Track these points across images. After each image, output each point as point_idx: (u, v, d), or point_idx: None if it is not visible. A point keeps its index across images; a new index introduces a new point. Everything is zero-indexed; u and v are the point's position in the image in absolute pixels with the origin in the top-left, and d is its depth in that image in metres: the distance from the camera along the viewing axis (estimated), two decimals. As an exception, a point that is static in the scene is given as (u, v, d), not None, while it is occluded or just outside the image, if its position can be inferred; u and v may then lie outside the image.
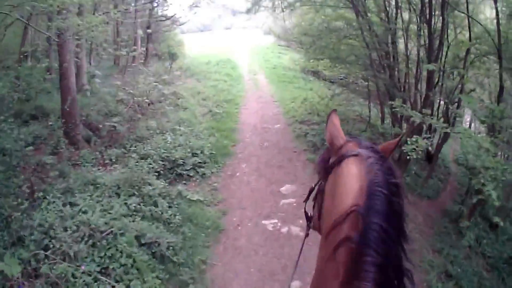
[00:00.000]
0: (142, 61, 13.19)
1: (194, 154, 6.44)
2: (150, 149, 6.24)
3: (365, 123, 8.95)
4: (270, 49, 21.33)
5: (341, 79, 10.96)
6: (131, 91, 8.28)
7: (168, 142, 6.63)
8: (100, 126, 6.69)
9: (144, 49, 14.15)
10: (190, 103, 9.87)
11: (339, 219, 0.85)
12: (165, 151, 6.20)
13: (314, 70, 13.68)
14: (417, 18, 7.08)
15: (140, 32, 12.19)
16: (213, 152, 6.85)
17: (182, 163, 6.10)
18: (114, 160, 5.92)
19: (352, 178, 0.91)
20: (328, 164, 1.05)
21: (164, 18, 14.32)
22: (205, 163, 6.41)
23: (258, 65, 17.37)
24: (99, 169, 5.44)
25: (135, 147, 6.34)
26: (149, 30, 13.14)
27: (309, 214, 1.25)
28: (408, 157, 5.19)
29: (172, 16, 14.64)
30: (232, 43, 25.25)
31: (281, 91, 12.31)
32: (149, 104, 8.48)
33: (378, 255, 0.77)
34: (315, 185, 1.17)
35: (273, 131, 8.75)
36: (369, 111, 9.07)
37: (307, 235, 1.28)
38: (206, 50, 21.96)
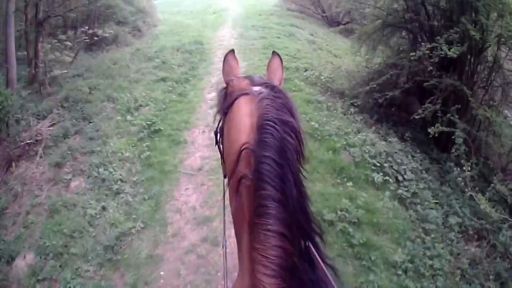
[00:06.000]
0: None
1: None
2: None
3: None
4: (276, 16, 12.61)
5: None
6: None
7: None
8: None
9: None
10: None
11: (233, 158, 0.85)
12: None
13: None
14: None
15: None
16: None
17: None
18: None
19: (243, 117, 0.89)
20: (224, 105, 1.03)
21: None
22: None
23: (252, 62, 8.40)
24: None
25: None
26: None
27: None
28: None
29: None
30: (228, 7, 16.45)
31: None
32: None
33: (275, 190, 0.73)
34: (217, 128, 1.12)
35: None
36: None
37: (225, 176, 1.14)
38: (188, 18, 13.96)
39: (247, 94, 0.93)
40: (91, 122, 5.86)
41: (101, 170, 4.54)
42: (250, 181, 0.77)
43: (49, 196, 4.48)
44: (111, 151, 4.94)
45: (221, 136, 1.07)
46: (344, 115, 5.69)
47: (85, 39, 7.67)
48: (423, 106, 4.91)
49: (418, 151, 5.23)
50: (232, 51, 1.20)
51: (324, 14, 12.87)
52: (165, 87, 6.96)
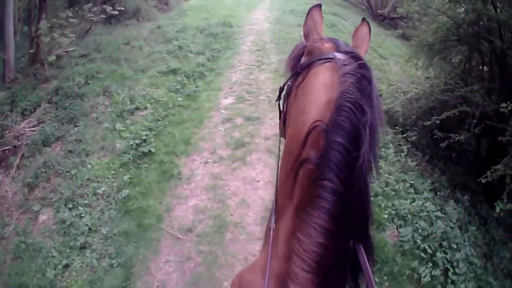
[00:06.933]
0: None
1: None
2: None
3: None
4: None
5: None
6: None
7: None
8: None
9: None
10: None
11: (300, 134, 0.74)
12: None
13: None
14: None
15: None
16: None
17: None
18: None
19: (321, 87, 0.78)
20: (300, 63, 0.92)
21: None
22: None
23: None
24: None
25: None
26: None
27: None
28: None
29: None
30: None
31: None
32: None
33: (339, 181, 0.64)
34: (284, 85, 1.01)
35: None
36: None
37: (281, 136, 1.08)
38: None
39: (330, 60, 0.81)
40: (76, 126, 4.82)
41: (67, 211, 3.52)
42: (313, 166, 0.67)
43: (16, 231, 3.61)
44: (86, 178, 3.87)
45: (287, 94, 0.96)
46: (395, 154, 4.21)
47: (91, 17, 6.50)
48: (493, 167, 3.44)
49: (473, 216, 3.86)
50: (319, 5, 1.02)
51: (369, 6, 11.23)
52: (173, 83, 5.70)
